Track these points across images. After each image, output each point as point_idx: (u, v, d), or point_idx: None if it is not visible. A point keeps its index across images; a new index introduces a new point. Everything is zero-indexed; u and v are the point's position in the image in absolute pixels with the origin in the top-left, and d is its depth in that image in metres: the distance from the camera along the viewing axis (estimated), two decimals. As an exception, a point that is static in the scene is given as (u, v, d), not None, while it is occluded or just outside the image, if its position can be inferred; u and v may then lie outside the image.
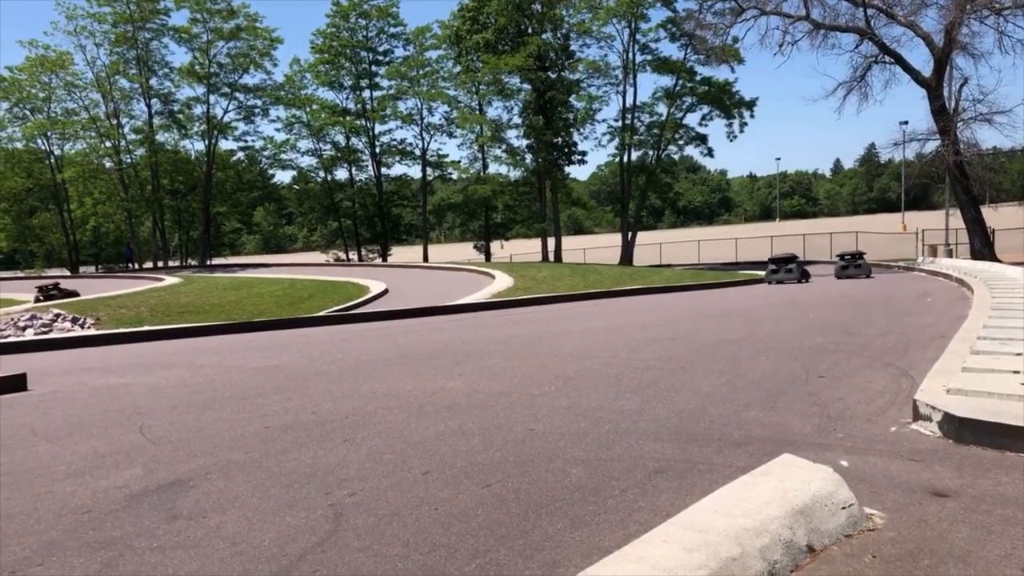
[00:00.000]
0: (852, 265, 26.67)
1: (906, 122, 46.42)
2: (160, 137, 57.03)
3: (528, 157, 47.80)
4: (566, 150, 47.61)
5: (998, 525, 3.49)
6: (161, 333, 14.19)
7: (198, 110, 56.86)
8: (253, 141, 58.85)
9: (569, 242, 58.60)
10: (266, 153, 59.42)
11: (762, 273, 28.43)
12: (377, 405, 6.63)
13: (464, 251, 60.94)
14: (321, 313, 18.29)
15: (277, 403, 6.89)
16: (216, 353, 11.45)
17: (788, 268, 25.91)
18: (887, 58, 31.42)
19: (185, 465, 4.87)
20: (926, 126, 31.69)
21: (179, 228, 61.82)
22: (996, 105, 29.41)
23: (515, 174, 50.98)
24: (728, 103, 45.33)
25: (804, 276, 25.89)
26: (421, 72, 54.49)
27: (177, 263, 59.01)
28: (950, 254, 32.22)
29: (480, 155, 52.35)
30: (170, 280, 31.72)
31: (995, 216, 33.62)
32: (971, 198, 30.52)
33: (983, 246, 29.68)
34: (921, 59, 30.90)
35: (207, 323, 16.01)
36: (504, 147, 48.78)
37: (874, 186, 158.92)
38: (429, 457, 4.84)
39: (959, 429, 4.90)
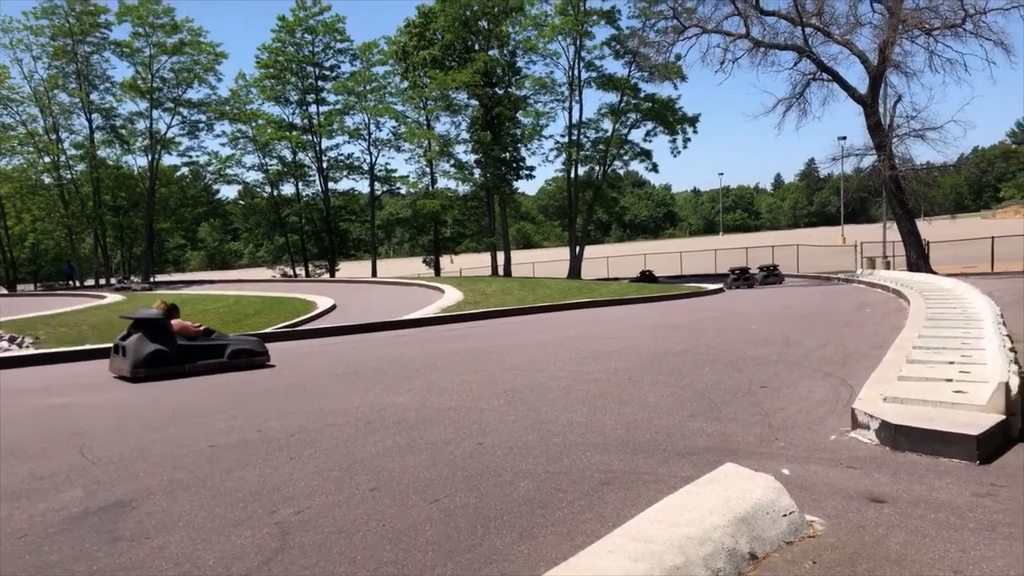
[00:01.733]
0: (771, 275, 35.45)
1: (844, 138, 47.78)
2: (102, 152, 55.89)
3: (476, 172, 47.94)
4: (514, 165, 47.85)
5: (932, 529, 3.61)
6: (103, 352, 13.85)
7: (141, 125, 55.90)
8: (198, 156, 58.01)
9: (518, 256, 58.81)
10: (211, 168, 58.63)
11: (707, 286, 29.72)
12: (324, 422, 6.58)
13: (413, 266, 60.74)
14: (268, 330, 18.02)
15: (222, 421, 6.79)
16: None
17: (745, 277, 32.78)
18: (825, 75, 32.25)
19: (127, 486, 4.77)
20: (863, 142, 32.67)
21: (122, 244, 60.55)
22: (928, 122, 30.38)
23: (464, 189, 51.12)
24: (671, 119, 46.05)
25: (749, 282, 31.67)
26: (368, 87, 54.36)
27: (120, 280, 57.78)
28: (888, 266, 33.08)
29: (429, 170, 52.40)
30: (112, 298, 31.00)
31: (930, 229, 34.62)
32: (907, 212, 31.41)
33: (919, 258, 30.54)
34: (857, 77, 31.94)
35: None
36: (452, 162, 48.88)
37: (814, 200, 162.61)
38: (377, 473, 4.83)
39: (895, 436, 5.05)
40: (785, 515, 3.49)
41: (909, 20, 29.37)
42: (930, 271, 28.32)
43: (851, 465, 4.73)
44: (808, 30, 31.63)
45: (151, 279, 54.94)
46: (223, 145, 57.29)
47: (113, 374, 10.48)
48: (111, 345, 10.92)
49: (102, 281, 54.89)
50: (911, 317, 12.44)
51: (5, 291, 53.30)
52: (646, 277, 41.05)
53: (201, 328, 11.17)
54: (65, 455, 5.72)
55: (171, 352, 10.31)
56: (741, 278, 34.34)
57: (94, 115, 54.73)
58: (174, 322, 10.82)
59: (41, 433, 6.66)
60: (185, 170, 59.25)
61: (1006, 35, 28.67)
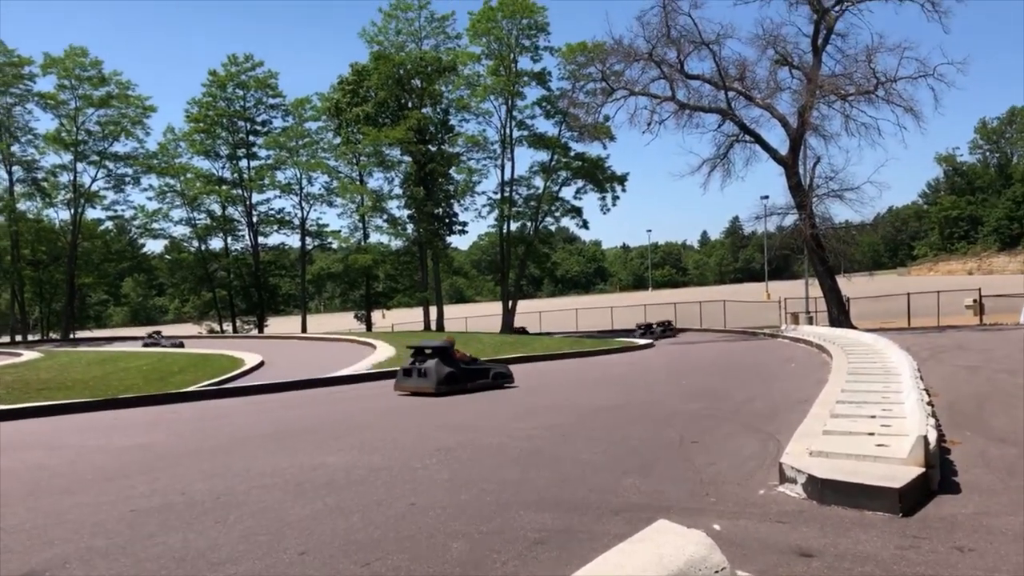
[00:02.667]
0: (668, 330, 37.12)
1: (767, 197, 49.15)
2: (22, 205, 54.28)
3: (409, 227, 48.02)
4: (447, 220, 48.07)
5: (858, 582, 3.68)
6: (17, 412, 13.26)
7: (64, 178, 54.61)
8: (123, 210, 56.84)
9: (451, 311, 58.69)
10: (136, 222, 57.50)
11: (637, 341, 30.22)
12: (251, 484, 6.40)
13: (345, 321, 60.01)
14: (192, 388, 17.54)
15: (144, 484, 6.55)
16: (78, 432, 10.80)
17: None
18: (747, 137, 33.35)
19: (40, 554, 4.55)
20: (785, 201, 33.62)
21: (41, 300, 58.50)
22: (846, 183, 31.53)
23: (396, 244, 51.08)
24: (601, 177, 47.01)
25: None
26: (301, 143, 54.29)
27: (38, 337, 55.65)
28: (811, 321, 33.96)
29: (361, 225, 52.24)
30: (29, 355, 29.86)
31: (849, 285, 35.79)
32: (827, 268, 32.43)
33: (840, 314, 31.47)
34: (778, 139, 32.87)
35: (69, 400, 15.09)
36: (385, 217, 48.91)
37: (739, 257, 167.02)
38: (306, 537, 4.71)
39: (822, 490, 5.16)
40: (717, 572, 3.51)
41: (825, 86, 30.70)
42: (851, 326, 29.18)
43: (780, 519, 4.80)
44: (731, 94, 32.77)
45: (71, 335, 53.12)
46: (150, 199, 56.22)
47: (401, 393, 13.86)
48: (400, 369, 14.63)
49: (18, 337, 52.81)
50: (834, 372, 12.78)
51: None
52: (518, 331, 43.30)
53: (468, 356, 15.12)
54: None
55: (458, 374, 14.00)
56: (647, 332, 35.58)
57: (15, 167, 53.31)
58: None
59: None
60: (109, 224, 58.06)
61: (915, 102, 30.17)
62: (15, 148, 53.13)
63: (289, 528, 4.93)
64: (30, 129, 53.98)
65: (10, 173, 53.10)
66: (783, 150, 32.72)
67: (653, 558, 3.42)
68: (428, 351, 14.16)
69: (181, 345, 32.58)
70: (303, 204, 55.72)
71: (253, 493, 6.04)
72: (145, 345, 31.23)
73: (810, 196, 31.60)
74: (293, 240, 57.83)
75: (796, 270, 62.03)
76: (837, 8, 31.52)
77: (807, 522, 4.73)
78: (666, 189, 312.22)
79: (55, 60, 51.31)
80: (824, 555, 4.09)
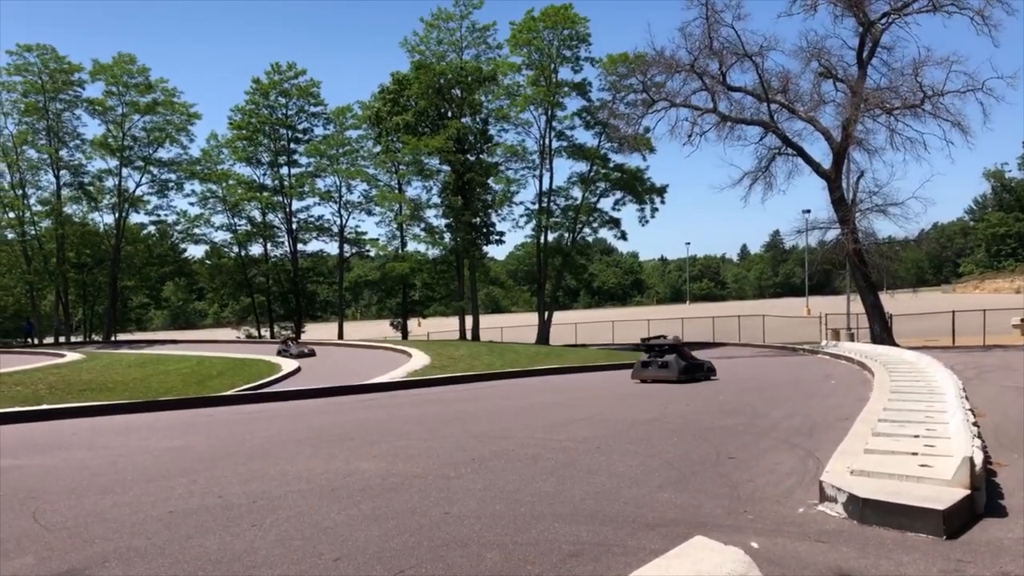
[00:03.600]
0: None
1: (808, 211, 48.57)
2: (68, 209, 55.33)
3: (447, 236, 48.16)
4: (484, 230, 48.15)
5: (901, 605, 3.59)
6: (60, 412, 13.53)
7: (110, 183, 55.50)
8: (166, 215, 57.65)
9: (487, 320, 58.72)
10: (179, 227, 58.24)
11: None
12: (287, 488, 6.44)
13: (381, 328, 60.33)
14: (230, 392, 17.76)
15: (182, 486, 6.63)
16: (119, 433, 10.98)
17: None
18: (790, 150, 33.02)
19: (81, 552, 4.62)
20: (827, 215, 33.20)
21: (84, 302, 59.56)
22: (890, 197, 31.06)
23: (433, 252, 51.20)
24: (640, 189, 46.79)
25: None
26: (341, 151, 54.72)
27: (81, 339, 56.68)
28: (852, 338, 33.43)
29: (399, 233, 52.49)
30: (72, 356, 30.42)
31: (892, 302, 35.21)
32: (870, 284, 31.94)
33: (882, 331, 30.95)
34: (821, 152, 32.48)
35: (110, 402, 15.36)
36: (423, 226, 49.09)
37: (779, 271, 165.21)
38: (341, 543, 4.72)
39: (863, 510, 5.06)
40: (755, 590, 3.46)
41: (870, 99, 30.30)
42: (893, 344, 28.69)
43: (819, 539, 4.71)
44: (773, 106, 32.50)
45: (113, 338, 54.01)
46: (192, 204, 57.09)
47: (638, 380, 17.78)
48: (638, 361, 18.53)
49: (61, 339, 53.84)
50: (876, 389, 12.56)
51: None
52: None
53: (692, 352, 18.81)
54: (17, 520, 5.52)
55: (691, 366, 17.67)
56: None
57: (62, 172, 54.39)
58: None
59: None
60: (152, 228, 58.82)
61: (963, 116, 29.57)
62: (63, 153, 54.26)
63: (324, 533, 4.95)
64: (78, 134, 55.12)
65: (58, 177, 54.26)
66: (826, 164, 32.34)
67: (690, 574, 3.37)
68: (666, 347, 18.44)
69: (312, 353, 31.43)
70: (342, 212, 56.18)
71: (289, 497, 6.08)
72: (279, 353, 30.70)
73: (853, 211, 31.18)
74: (331, 247, 58.37)
75: (837, 285, 61.25)
76: (883, 21, 31.12)
77: (847, 542, 4.63)
78: (706, 201, 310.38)
79: (104, 67, 52.34)
80: (865, 577, 4.01)
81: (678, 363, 17.40)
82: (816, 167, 32.61)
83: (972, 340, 31.23)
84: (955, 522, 4.81)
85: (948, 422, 7.82)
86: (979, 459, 5.54)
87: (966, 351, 26.78)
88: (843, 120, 30.78)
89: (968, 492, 5.11)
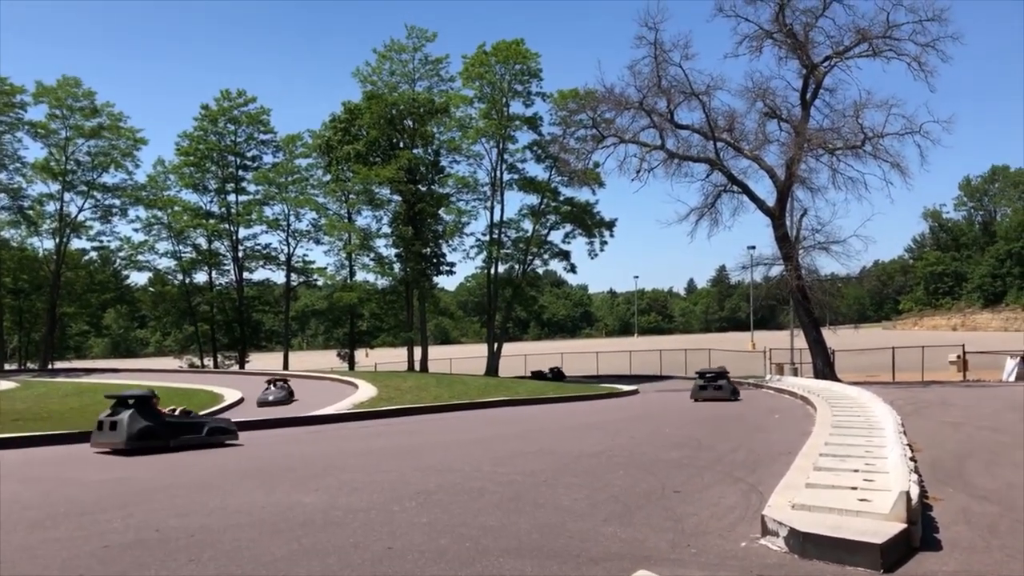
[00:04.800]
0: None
1: (753, 247, 49.47)
2: (5, 233, 53.99)
3: (396, 266, 47.96)
4: (435, 261, 48.07)
5: (839, 639, 3.62)
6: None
7: (51, 207, 54.16)
8: (109, 241, 56.44)
9: (436, 351, 58.40)
10: (122, 254, 57.05)
11: (623, 387, 29.97)
12: (227, 522, 6.29)
13: (328, 359, 59.61)
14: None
15: (118, 520, 6.43)
16: (53, 465, 10.64)
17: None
18: (735, 187, 33.70)
19: None
20: (771, 252, 33.87)
21: (20, 329, 57.86)
22: (832, 235, 31.85)
23: (383, 282, 50.90)
24: (590, 223, 47.26)
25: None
26: (290, 179, 54.35)
27: (15, 366, 54.94)
28: (795, 372, 34.02)
29: (348, 262, 52.12)
30: (5, 384, 29.51)
31: (834, 337, 35.90)
32: (813, 320, 32.59)
33: (824, 366, 31.54)
34: (766, 190, 33.25)
35: (44, 432, 14.88)
36: (372, 255, 48.82)
37: (725, 305, 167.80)
38: (281, 579, 4.62)
39: (803, 544, 5.11)
40: (697, 625, 3.47)
41: (813, 140, 31.16)
42: (835, 379, 29.23)
43: (761, 572, 4.75)
44: (720, 144, 33.20)
45: (49, 366, 52.48)
46: (136, 230, 55.97)
47: (695, 400, 22.17)
48: (695, 385, 22.57)
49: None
50: (818, 424, 12.76)
51: None
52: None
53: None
54: None
55: (735, 389, 22.11)
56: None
57: (1, 195, 53.01)
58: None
59: None
60: (94, 254, 57.56)
61: (902, 158, 30.62)
62: (2, 176, 52.84)
63: (264, 568, 4.84)
64: (19, 157, 53.70)
65: (-4, 201, 52.88)
66: (770, 201, 33.06)
67: (633, 610, 3.38)
68: (717, 375, 22.42)
69: (290, 395, 24.74)
70: (290, 240, 55.71)
71: (229, 531, 5.94)
72: (260, 404, 23.46)
73: (796, 248, 31.88)
74: (278, 276, 57.73)
75: (782, 320, 62.35)
76: (826, 64, 32.15)
77: (788, 576, 4.68)
78: (654, 236, 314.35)
79: (47, 89, 51.36)
80: (805, 611, 4.04)
81: (729, 385, 22.36)
82: (761, 204, 33.31)
83: (911, 376, 32.04)
84: (892, 555, 4.89)
85: (887, 456, 7.98)
86: (915, 493, 5.66)
87: (905, 387, 27.43)
88: (787, 159, 31.57)
89: (905, 526, 5.20)
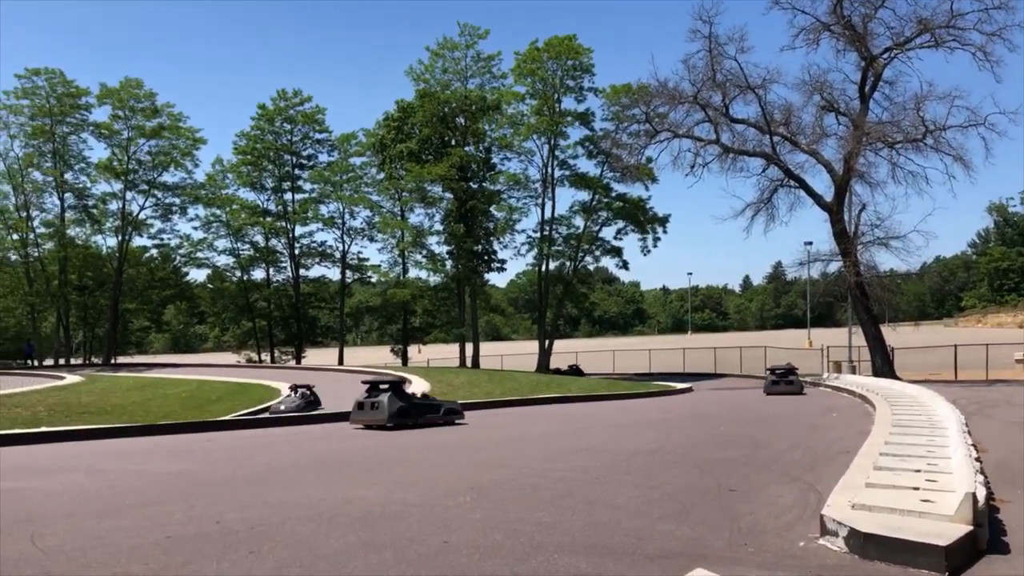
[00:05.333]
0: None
1: (811, 242, 48.67)
2: (71, 231, 55.59)
3: (448, 263, 48.27)
4: (486, 258, 48.27)
5: (903, 642, 3.55)
6: (59, 435, 13.50)
7: (113, 206, 55.80)
8: (169, 239, 57.82)
9: (487, 348, 58.64)
10: (181, 251, 58.43)
11: (676, 384, 29.82)
12: (285, 515, 6.40)
13: (381, 354, 60.25)
14: (230, 416, 17.72)
15: (180, 511, 6.59)
16: (117, 457, 10.94)
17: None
18: (792, 182, 33.20)
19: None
20: (829, 247, 33.30)
21: (85, 324, 59.58)
22: (892, 231, 31.20)
23: (435, 279, 51.29)
24: (642, 219, 46.94)
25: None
26: (344, 177, 54.99)
27: (80, 361, 56.61)
28: (853, 370, 33.35)
29: (401, 260, 52.59)
30: (71, 378, 30.38)
31: (894, 335, 35.11)
32: (872, 317, 31.94)
33: (883, 364, 30.90)
34: (823, 184, 32.68)
35: (109, 425, 15.32)
36: (425, 253, 49.22)
37: (781, 302, 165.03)
38: (338, 571, 4.69)
39: (864, 545, 5.01)
40: (756, 625, 3.43)
41: (872, 133, 30.50)
42: (895, 377, 28.62)
43: (820, 573, 4.67)
44: (776, 138, 32.73)
45: (112, 360, 53.92)
46: (195, 228, 57.31)
47: (767, 394, 24.55)
48: (767, 381, 25.67)
49: (61, 361, 53.75)
50: (877, 423, 12.51)
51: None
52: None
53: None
54: (15, 543, 5.50)
55: (802, 384, 22.34)
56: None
57: (67, 194, 54.65)
58: None
59: None
60: (155, 252, 59.03)
61: (965, 151, 29.81)
62: (68, 175, 54.57)
63: (322, 561, 4.91)
64: (83, 157, 55.46)
65: (62, 200, 54.51)
66: (828, 196, 32.49)
67: (690, 608, 3.35)
68: (788, 371, 25.04)
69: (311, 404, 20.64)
70: (345, 238, 56.40)
71: (287, 524, 6.03)
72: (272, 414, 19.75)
73: (855, 243, 31.28)
74: (333, 273, 58.51)
75: (839, 318, 61.11)
76: (885, 56, 31.44)
77: (849, 577, 4.59)
78: (708, 232, 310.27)
79: (111, 91, 52.80)
80: (867, 613, 3.97)
81: (799, 381, 24.97)
82: (818, 199, 32.75)
83: (975, 375, 31.15)
84: (957, 558, 4.77)
85: (950, 457, 7.78)
86: (982, 495, 5.50)
87: (969, 385, 26.70)
88: (845, 153, 30.98)
89: (971, 528, 5.06)
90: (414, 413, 14.93)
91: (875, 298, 31.49)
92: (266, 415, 18.68)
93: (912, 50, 31.23)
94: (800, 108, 32.83)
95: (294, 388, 21.78)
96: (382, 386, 15.03)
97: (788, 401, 21.48)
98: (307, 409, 20.16)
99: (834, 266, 33.54)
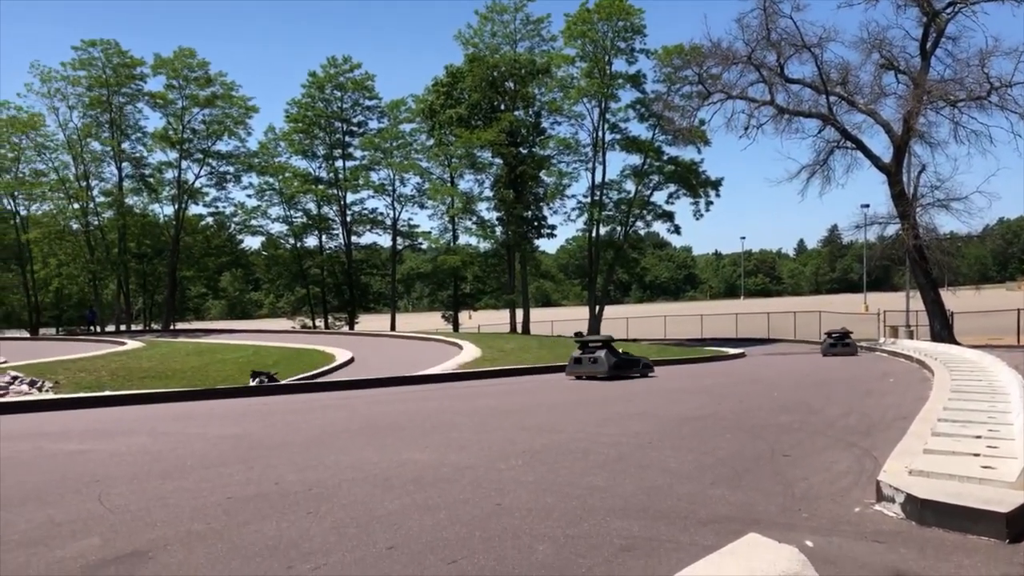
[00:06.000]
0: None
1: (867, 205, 47.72)
2: (129, 200, 56.99)
3: (498, 229, 48.35)
4: (536, 224, 48.21)
5: (961, 609, 3.51)
6: (122, 398, 13.92)
7: (169, 174, 57.04)
8: (224, 207, 58.97)
9: (537, 314, 58.79)
10: (236, 219, 59.54)
11: (728, 350, 29.66)
12: (342, 477, 6.53)
13: (432, 320, 60.83)
14: (285, 381, 18.06)
15: (240, 473, 6.77)
16: (178, 420, 11.25)
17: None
18: (848, 143, 32.39)
19: (145, 535, 4.75)
20: (886, 210, 32.51)
21: (144, 292, 61.20)
22: (952, 192, 30.30)
23: (485, 246, 51.47)
24: (694, 182, 46.37)
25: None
26: (394, 144, 55.26)
27: (141, 327, 58.20)
28: (911, 335, 32.70)
29: (451, 226, 52.84)
30: (132, 344, 31.24)
31: (953, 299, 34.29)
32: (930, 281, 31.20)
33: (942, 328, 30.22)
34: (881, 145, 31.91)
35: (169, 389, 15.75)
36: (475, 219, 49.38)
37: (836, 267, 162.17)
38: (394, 531, 4.78)
39: (922, 511, 4.94)
40: (810, 589, 3.41)
41: (934, 91, 29.54)
42: (954, 342, 28.00)
43: (876, 539, 4.63)
44: (832, 99, 31.91)
45: (171, 326, 55.31)
46: (249, 196, 58.44)
47: (825, 356, 25.98)
48: (825, 343, 27.26)
49: (122, 327, 55.31)
50: (935, 388, 12.27)
51: (28, 335, 53.83)
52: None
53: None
54: (83, 502, 5.72)
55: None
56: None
57: (124, 164, 55.98)
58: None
59: (59, 479, 6.66)
60: (210, 220, 60.23)
61: (1032, 108, 28.71)
62: (125, 145, 55.82)
63: (378, 522, 5.01)
64: (140, 127, 56.72)
65: (120, 169, 55.87)
66: (886, 157, 31.67)
67: (743, 572, 3.35)
68: (844, 335, 26.45)
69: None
70: (395, 204, 56.86)
71: (343, 486, 6.16)
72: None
73: (914, 205, 30.49)
74: (385, 240, 59.10)
75: (896, 282, 59.86)
76: (949, 10, 30.30)
77: (905, 543, 4.54)
78: (762, 195, 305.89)
79: (165, 61, 53.64)
80: (924, 579, 3.93)
81: (854, 343, 26.44)
82: (876, 161, 31.95)
83: (1038, 339, 30.31)
84: (1019, 526, 4.68)
85: (1012, 423, 7.60)
86: (1045, 462, 5.38)
87: (1031, 351, 25.99)
88: (904, 113, 30.08)
89: (1033, 495, 4.96)
90: (624, 367, 17.41)
91: (934, 261, 30.71)
92: (320, 380, 18.97)
93: (977, 3, 30.05)
94: (858, 67, 31.95)
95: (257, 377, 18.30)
96: (592, 344, 17.48)
97: (843, 366, 21.16)
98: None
99: (892, 229, 32.84)
